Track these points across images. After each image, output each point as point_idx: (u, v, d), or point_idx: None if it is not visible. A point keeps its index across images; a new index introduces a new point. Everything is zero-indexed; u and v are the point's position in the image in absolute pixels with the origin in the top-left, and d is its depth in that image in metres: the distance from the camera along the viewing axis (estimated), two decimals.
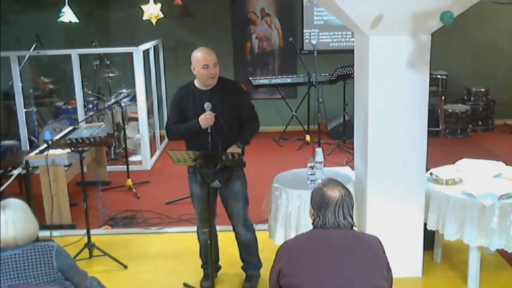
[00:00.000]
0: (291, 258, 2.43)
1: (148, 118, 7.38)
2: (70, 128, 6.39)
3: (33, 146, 7.25)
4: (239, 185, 3.93)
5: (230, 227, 4.10)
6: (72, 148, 4.61)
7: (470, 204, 3.79)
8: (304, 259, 2.40)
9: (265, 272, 2.91)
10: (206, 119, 3.70)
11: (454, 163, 4.49)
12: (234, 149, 3.74)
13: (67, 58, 7.07)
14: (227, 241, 4.22)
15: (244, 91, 4.10)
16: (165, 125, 4.04)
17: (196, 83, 3.87)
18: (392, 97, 3.88)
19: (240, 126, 3.91)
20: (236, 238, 4.10)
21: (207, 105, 3.71)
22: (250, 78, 8.43)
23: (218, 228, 4.18)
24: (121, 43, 8.18)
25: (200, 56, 3.74)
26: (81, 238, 4.83)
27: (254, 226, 4.13)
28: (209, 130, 3.71)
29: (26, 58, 7.25)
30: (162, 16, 6.43)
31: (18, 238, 2.61)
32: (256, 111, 4.00)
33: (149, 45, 7.53)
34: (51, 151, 5.05)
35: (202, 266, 4.22)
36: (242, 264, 4.19)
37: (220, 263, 4.30)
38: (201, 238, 4.12)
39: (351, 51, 4.38)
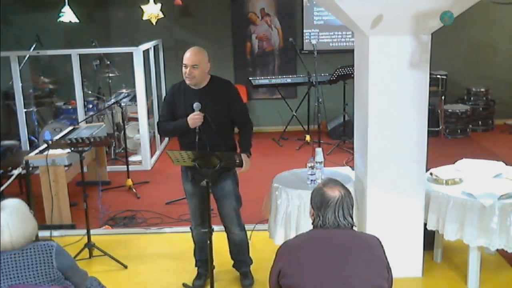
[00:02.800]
0: (291, 258, 2.43)
1: (148, 118, 7.37)
2: (70, 128, 6.38)
3: (33, 146, 7.25)
4: (229, 184, 3.92)
5: (222, 227, 4.08)
6: (72, 148, 4.61)
7: (470, 204, 3.79)
8: (304, 259, 2.40)
9: (264, 272, 2.90)
10: (194, 119, 3.70)
11: (454, 163, 4.49)
12: (245, 158, 3.72)
13: (67, 58, 7.07)
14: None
15: (235, 90, 3.96)
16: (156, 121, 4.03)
17: None
18: (392, 97, 3.88)
19: (231, 125, 3.91)
20: (229, 238, 4.10)
21: (196, 105, 3.71)
22: (250, 78, 8.43)
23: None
24: (121, 43, 8.19)
25: (185, 54, 3.75)
26: (81, 238, 4.83)
27: (245, 226, 4.10)
28: (197, 130, 3.71)
29: (26, 58, 7.24)
30: (162, 16, 6.43)
31: (14, 242, 2.59)
32: (247, 110, 3.98)
33: (149, 45, 7.53)
34: (51, 151, 5.05)
35: (196, 265, 4.23)
36: (233, 262, 4.20)
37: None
38: (195, 237, 4.11)
39: (351, 51, 4.38)
